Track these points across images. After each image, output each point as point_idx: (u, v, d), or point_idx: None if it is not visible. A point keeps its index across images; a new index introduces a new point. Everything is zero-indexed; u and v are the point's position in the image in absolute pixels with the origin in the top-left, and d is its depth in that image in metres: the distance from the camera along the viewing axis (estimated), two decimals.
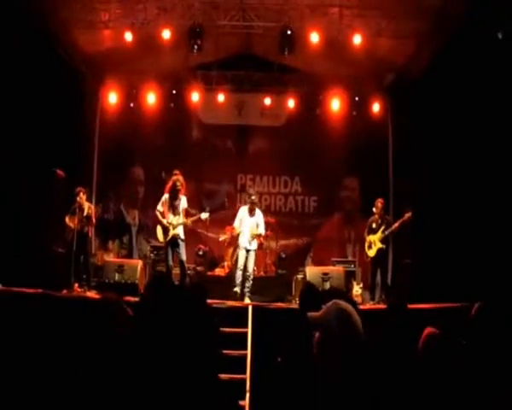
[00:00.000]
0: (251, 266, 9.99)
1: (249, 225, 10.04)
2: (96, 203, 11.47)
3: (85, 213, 10.11)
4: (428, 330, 3.75)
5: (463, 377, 3.41)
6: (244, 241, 10.02)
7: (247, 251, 9.99)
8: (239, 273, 9.90)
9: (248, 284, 9.87)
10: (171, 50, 11.70)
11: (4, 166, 9.30)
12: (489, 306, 4.08)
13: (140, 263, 10.69)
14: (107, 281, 10.07)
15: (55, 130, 10.93)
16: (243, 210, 10.24)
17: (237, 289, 9.81)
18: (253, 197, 10.17)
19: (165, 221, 9.71)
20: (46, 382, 3.78)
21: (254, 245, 10.10)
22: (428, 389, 3.39)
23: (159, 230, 9.89)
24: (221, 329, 6.43)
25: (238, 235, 10.20)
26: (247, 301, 9.53)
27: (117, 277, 10.13)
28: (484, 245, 8.60)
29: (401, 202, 11.77)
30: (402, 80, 12.43)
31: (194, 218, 9.91)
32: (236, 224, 10.21)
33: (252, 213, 10.10)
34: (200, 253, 12.31)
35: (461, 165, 9.63)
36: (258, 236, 10.18)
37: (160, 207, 9.86)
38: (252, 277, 9.99)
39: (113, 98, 13.51)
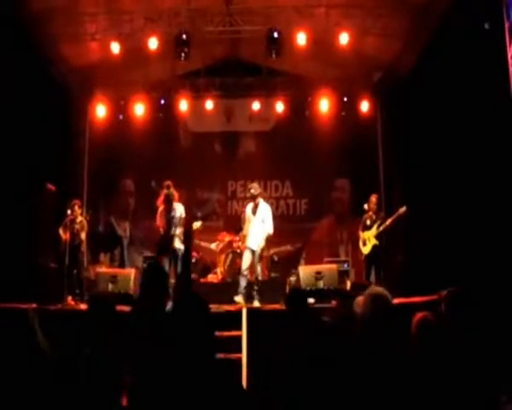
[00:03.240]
0: (258, 267, 9.54)
1: (254, 223, 9.58)
2: (86, 211, 11.40)
3: (76, 227, 10.05)
4: (419, 314, 3.75)
5: (459, 357, 3.41)
6: (249, 242, 9.57)
7: (253, 252, 9.53)
8: (242, 279, 9.50)
9: (257, 286, 9.43)
10: (159, 60, 11.72)
11: None
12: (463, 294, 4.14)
13: (133, 272, 10.53)
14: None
15: (44, 144, 10.93)
16: (248, 208, 9.83)
17: (239, 298, 9.27)
18: (252, 190, 9.69)
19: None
20: (41, 397, 3.72)
21: (261, 245, 9.58)
22: (427, 370, 3.37)
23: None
24: (216, 333, 6.35)
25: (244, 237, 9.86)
26: (256, 304, 9.27)
27: (110, 287, 9.99)
28: (476, 239, 8.58)
29: (392, 201, 11.76)
30: (390, 78, 12.47)
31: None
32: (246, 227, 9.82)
33: (255, 209, 9.65)
34: (193, 260, 12.22)
35: (451, 161, 9.63)
36: (266, 235, 9.55)
37: (157, 221, 9.86)
38: (260, 277, 9.57)
39: (101, 110, 13.45)
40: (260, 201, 9.74)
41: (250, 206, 9.82)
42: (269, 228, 9.59)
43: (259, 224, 9.55)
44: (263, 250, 9.80)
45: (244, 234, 9.78)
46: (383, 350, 3.24)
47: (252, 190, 9.74)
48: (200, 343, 3.30)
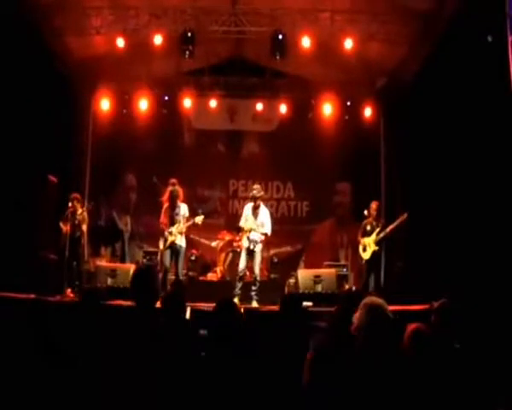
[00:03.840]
0: (257, 268, 9.59)
1: (253, 225, 9.62)
2: (88, 202, 11.51)
3: (77, 218, 10.11)
4: (413, 326, 3.78)
5: (454, 369, 3.45)
6: (247, 242, 9.64)
7: (251, 252, 9.61)
8: (238, 280, 9.54)
9: (255, 287, 9.50)
10: (163, 56, 11.72)
11: None
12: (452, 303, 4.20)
13: (133, 267, 10.60)
14: (99, 285, 10.02)
15: (47, 136, 10.92)
16: (247, 208, 9.88)
17: (236, 300, 9.16)
18: (255, 192, 9.74)
19: (167, 232, 9.78)
20: (41, 388, 3.79)
21: (259, 246, 9.65)
22: (422, 382, 3.41)
23: (161, 240, 9.96)
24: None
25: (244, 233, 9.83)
26: (254, 305, 9.33)
27: (109, 281, 10.07)
28: (477, 247, 8.61)
29: (393, 206, 11.77)
30: (393, 84, 12.49)
31: (189, 223, 9.90)
32: (242, 223, 9.83)
33: (255, 211, 9.71)
34: (193, 258, 12.29)
35: (453, 168, 9.65)
36: (264, 235, 9.65)
37: (161, 218, 9.94)
38: (259, 277, 9.62)
39: (105, 105, 13.48)
40: (261, 204, 9.82)
41: (250, 206, 9.85)
42: (267, 230, 9.68)
43: (258, 226, 9.63)
44: (262, 251, 9.88)
45: (246, 230, 9.74)
46: (378, 361, 3.26)
47: (254, 192, 9.78)
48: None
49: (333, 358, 3.32)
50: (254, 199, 9.73)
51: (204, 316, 7.53)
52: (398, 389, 3.22)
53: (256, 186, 10.08)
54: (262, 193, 10.03)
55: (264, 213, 9.79)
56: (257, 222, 9.66)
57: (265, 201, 13.08)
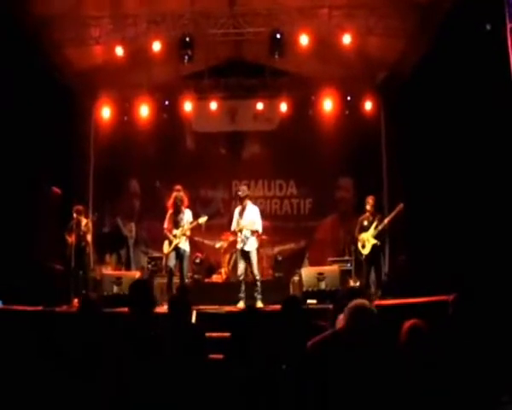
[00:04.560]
0: (255, 269, 9.53)
1: (243, 224, 9.60)
2: (92, 213, 11.54)
3: (82, 229, 10.16)
4: (410, 322, 3.76)
5: (450, 364, 3.43)
6: (240, 244, 9.61)
7: (246, 253, 9.56)
8: (241, 284, 9.51)
9: (257, 287, 9.47)
10: (163, 62, 11.75)
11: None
12: (467, 297, 4.16)
13: (138, 274, 10.70)
14: (105, 294, 10.05)
15: (50, 147, 10.99)
16: (236, 211, 9.88)
17: (240, 304, 9.31)
18: (240, 192, 9.83)
19: (171, 236, 9.77)
20: (48, 399, 3.81)
21: (253, 245, 9.61)
22: (421, 378, 3.39)
23: (165, 244, 9.95)
24: (218, 334, 6.45)
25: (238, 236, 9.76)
26: (259, 305, 9.28)
27: (115, 289, 10.09)
28: (479, 239, 8.56)
29: (395, 200, 11.72)
30: (393, 78, 12.46)
31: (193, 224, 9.88)
32: (234, 226, 9.81)
33: (243, 211, 9.69)
34: (197, 261, 12.32)
35: (454, 160, 9.61)
36: (255, 232, 9.62)
37: (165, 224, 9.94)
38: (259, 277, 9.59)
39: (106, 113, 13.51)
40: (248, 203, 9.80)
41: (238, 209, 9.87)
42: (258, 227, 9.67)
43: (248, 226, 9.60)
44: (258, 250, 9.91)
45: (238, 231, 9.68)
46: (371, 360, 3.24)
47: (239, 192, 9.88)
48: None
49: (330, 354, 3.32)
50: (240, 200, 9.79)
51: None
52: (395, 385, 3.20)
53: (242, 187, 10.26)
54: (247, 192, 10.04)
55: (253, 210, 9.78)
56: (244, 221, 9.62)
57: (269, 199, 13.11)
